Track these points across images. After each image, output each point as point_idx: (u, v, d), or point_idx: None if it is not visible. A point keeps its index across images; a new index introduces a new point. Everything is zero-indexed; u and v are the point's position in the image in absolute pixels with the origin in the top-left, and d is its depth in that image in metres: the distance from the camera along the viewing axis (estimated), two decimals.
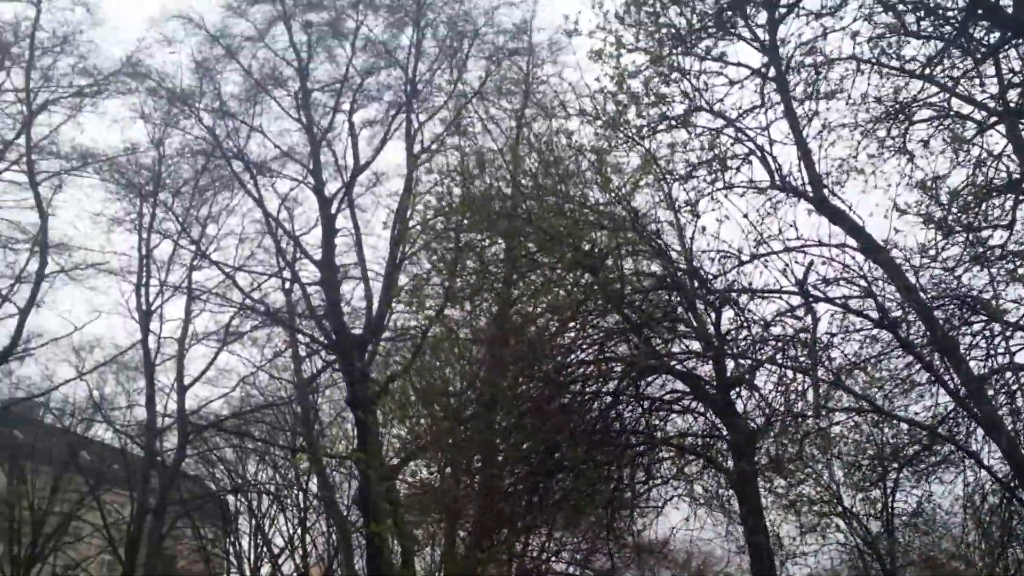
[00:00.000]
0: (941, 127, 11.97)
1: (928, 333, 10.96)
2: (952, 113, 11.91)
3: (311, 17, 23.38)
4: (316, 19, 23.45)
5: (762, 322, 11.61)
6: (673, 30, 11.74)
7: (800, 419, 12.08)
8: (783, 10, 11.07)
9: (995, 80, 11.30)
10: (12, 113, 23.40)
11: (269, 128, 24.04)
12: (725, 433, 12.20)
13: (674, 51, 11.95)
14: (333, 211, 23.40)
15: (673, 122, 12.06)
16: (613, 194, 12.14)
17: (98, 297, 23.21)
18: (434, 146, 22.64)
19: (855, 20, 11.16)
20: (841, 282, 11.27)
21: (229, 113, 23.86)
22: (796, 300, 11.41)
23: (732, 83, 11.50)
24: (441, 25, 23.22)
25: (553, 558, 18.99)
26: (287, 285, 24.61)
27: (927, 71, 11.15)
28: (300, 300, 24.06)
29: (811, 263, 11.16)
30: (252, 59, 23.79)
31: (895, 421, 13.06)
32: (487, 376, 17.11)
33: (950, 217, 11.67)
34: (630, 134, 12.51)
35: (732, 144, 11.84)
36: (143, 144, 25.02)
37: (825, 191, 11.48)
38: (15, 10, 22.40)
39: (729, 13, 11.14)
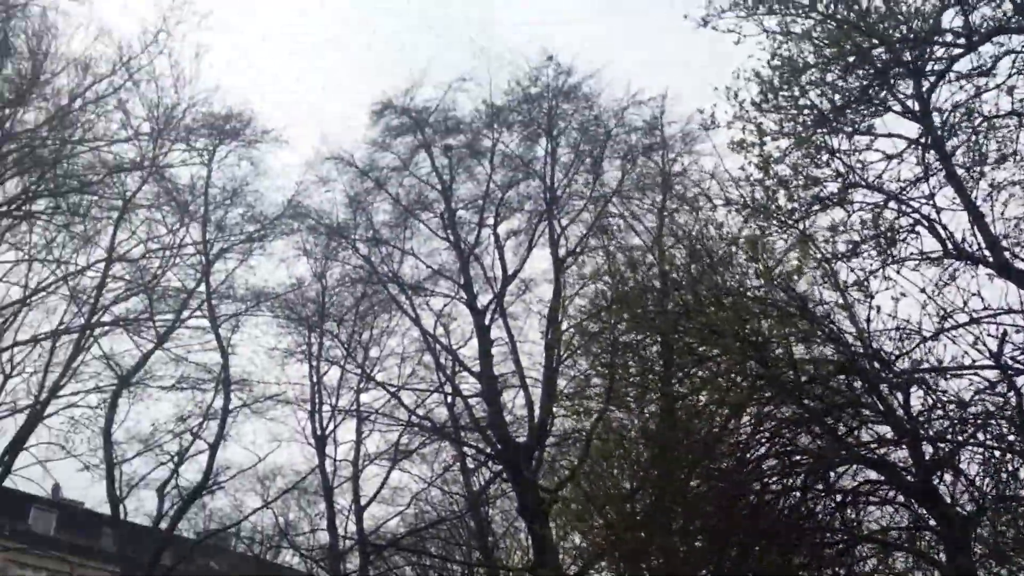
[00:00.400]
0: None
1: None
2: None
3: (450, 141, 24.64)
4: (455, 142, 24.70)
5: (958, 400, 10.79)
6: (815, 111, 11.56)
7: (1017, 502, 11.03)
8: (932, 77, 10.70)
9: None
10: (193, 264, 25.61)
11: (420, 250, 25.16)
12: (933, 523, 11.25)
13: (819, 131, 11.74)
14: (487, 322, 23.96)
15: (828, 201, 11.71)
16: (777, 281, 11.81)
17: (277, 427, 24.79)
18: (579, 248, 22.96)
19: (1010, 76, 10.65)
20: None
21: (382, 240, 25.21)
22: (992, 374, 10.58)
23: (889, 157, 11.11)
24: (573, 132, 23.89)
25: None
26: (449, 399, 25.16)
27: None
28: (463, 413, 24.51)
29: (1005, 333, 10.36)
30: (399, 187, 25.21)
31: None
32: (659, 478, 16.68)
33: None
34: (783, 218, 12.26)
35: (897, 217, 11.34)
36: (307, 278, 26.73)
37: (1006, 254, 10.76)
38: (191, 172, 24.84)
39: (876, 88, 10.86)
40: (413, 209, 24.92)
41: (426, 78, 24.68)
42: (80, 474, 25.35)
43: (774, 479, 12.57)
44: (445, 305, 25.15)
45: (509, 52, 30.30)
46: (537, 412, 22.62)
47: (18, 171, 20.87)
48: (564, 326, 22.86)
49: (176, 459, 25.89)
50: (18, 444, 23.16)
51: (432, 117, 24.55)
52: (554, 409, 22.33)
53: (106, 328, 24.59)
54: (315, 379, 27.29)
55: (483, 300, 24.27)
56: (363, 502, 26.76)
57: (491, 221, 24.28)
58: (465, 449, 24.95)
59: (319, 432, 27.02)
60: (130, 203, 23.37)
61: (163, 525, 25.47)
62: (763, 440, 12.64)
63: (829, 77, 11.26)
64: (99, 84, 21.49)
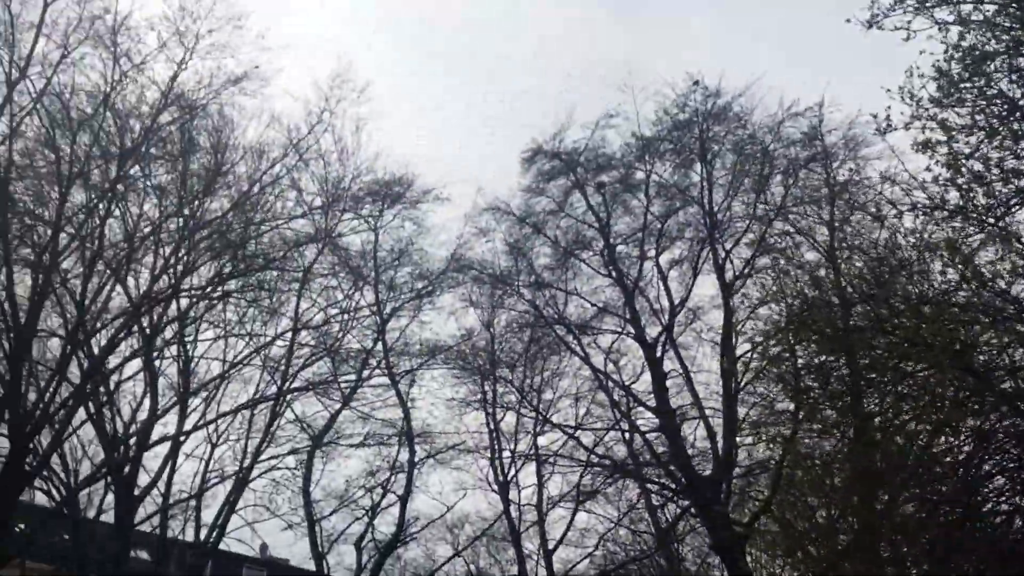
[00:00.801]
0: None
1: None
2: None
3: (603, 178, 24.76)
4: (607, 179, 24.78)
5: None
6: (1006, 100, 10.81)
7: None
8: None
9: None
10: (369, 325, 26.81)
11: (583, 289, 25.29)
12: None
13: (1011, 121, 10.97)
14: (658, 355, 23.67)
15: None
16: (988, 287, 11.02)
17: (461, 475, 25.52)
18: (747, 271, 22.37)
19: None
20: None
21: (545, 284, 25.52)
22: None
23: None
24: (728, 153, 23.45)
25: None
26: (627, 436, 24.93)
27: None
28: (643, 449, 24.19)
29: None
30: (556, 229, 25.51)
31: None
32: (860, 505, 15.76)
33: None
34: (981, 217, 11.47)
35: None
36: (476, 328, 27.37)
37: None
38: (360, 238, 26.21)
39: None
40: (572, 249, 25.13)
41: (572, 120, 24.63)
42: (284, 533, 26.81)
43: (1003, 499, 11.63)
44: (613, 341, 25.11)
45: (654, 83, 30.15)
46: (720, 443, 22.05)
47: (211, 256, 22.70)
48: (739, 352, 22.31)
49: (370, 513, 26.93)
50: (229, 508, 24.79)
51: (582, 157, 24.79)
52: (737, 439, 21.70)
53: (297, 393, 26.10)
54: (492, 426, 27.77)
55: (652, 333, 24.06)
56: (551, 545, 26.81)
57: (652, 253, 24.12)
58: (649, 486, 24.54)
59: (501, 478, 27.39)
60: (309, 274, 24.86)
61: None
62: (987, 458, 11.73)
63: (1020, 61, 10.49)
64: (273, 168, 23.16)
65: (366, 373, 26.69)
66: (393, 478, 27.04)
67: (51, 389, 20.40)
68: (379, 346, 26.62)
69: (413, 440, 26.57)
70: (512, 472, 27.52)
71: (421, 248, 27.33)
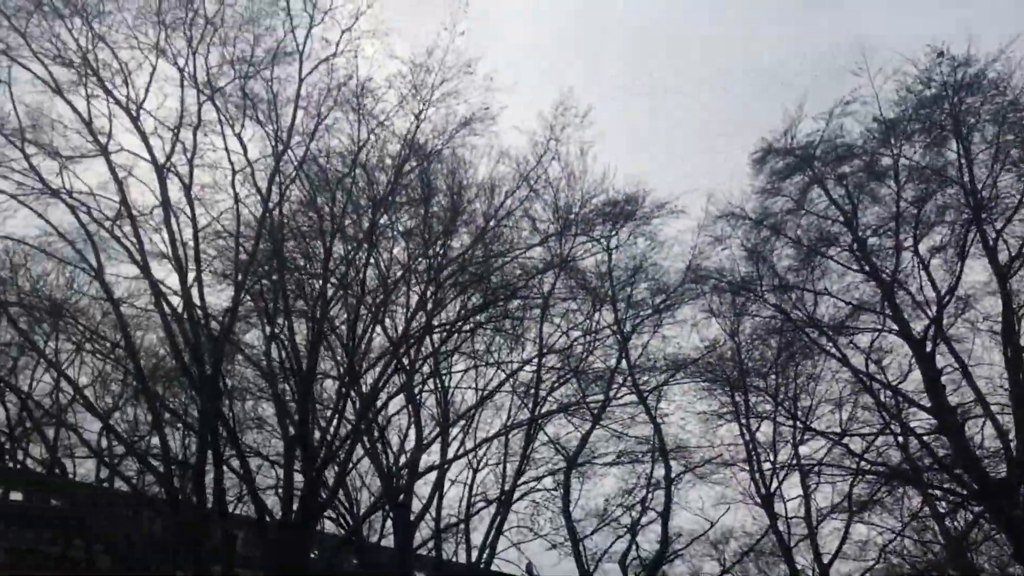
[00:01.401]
0: None
1: None
2: None
3: (844, 169, 23.40)
4: (849, 169, 23.39)
5: None
6: None
7: None
8: None
9: None
10: (611, 344, 26.92)
11: (833, 287, 24.00)
12: None
13: None
14: (927, 350, 21.95)
15: None
16: None
17: (721, 489, 24.90)
18: None
19: None
20: None
21: (790, 286, 24.49)
22: None
23: None
24: (987, 125, 21.38)
25: None
26: (900, 439, 23.19)
27: None
28: (920, 452, 22.40)
29: None
30: (797, 229, 24.41)
31: None
32: None
33: None
34: None
35: None
36: (720, 338, 26.69)
37: None
38: (596, 259, 26.45)
39: None
40: (817, 247, 23.94)
41: (803, 113, 23.45)
42: (548, 553, 27.42)
43: None
44: (874, 340, 23.59)
45: (891, 61, 28.16)
46: (1013, 442, 20.03)
47: (457, 291, 23.84)
48: None
49: (631, 531, 26.91)
50: (496, 530, 25.75)
51: (818, 149, 23.60)
52: None
53: (549, 416, 26.68)
54: (748, 437, 26.88)
55: (917, 327, 22.35)
56: (826, 559, 25.40)
57: (909, 242, 22.44)
58: (933, 492, 22.66)
59: (763, 491, 26.38)
60: (550, 299, 25.39)
61: None
62: None
63: None
64: (506, 201, 23.94)
65: (613, 392, 26.76)
66: (651, 495, 26.90)
67: (332, 427, 22.25)
68: (623, 364, 26.64)
69: (667, 455, 26.28)
70: (775, 484, 26.43)
71: (656, 263, 27.13)
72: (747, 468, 26.55)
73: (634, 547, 26.88)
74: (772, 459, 26.49)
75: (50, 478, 23.04)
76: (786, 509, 26.36)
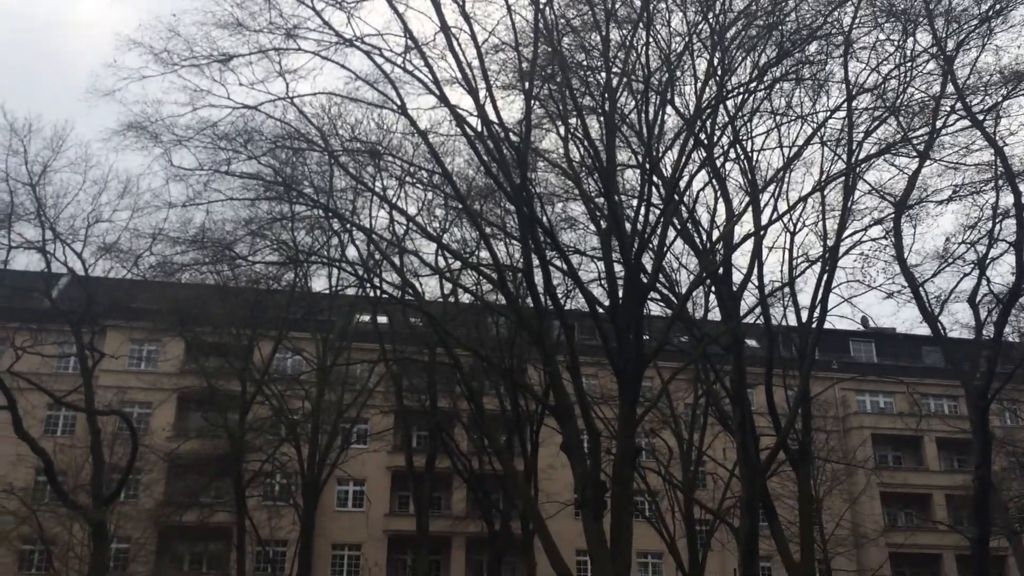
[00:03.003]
0: None
1: None
2: None
3: None
4: None
5: None
6: None
7: None
8: None
9: None
10: (931, 70, 23.78)
11: None
12: None
13: None
14: None
15: None
16: None
17: None
18: None
19: None
20: None
21: None
22: None
23: None
24: None
25: None
26: None
27: None
28: None
29: None
30: None
31: None
32: None
33: None
34: None
35: None
36: None
37: None
38: None
39: None
40: None
41: None
42: (884, 304, 26.30)
43: None
44: None
45: None
46: None
47: (748, 48, 22.24)
48: None
49: (979, 266, 24.82)
50: (825, 288, 25.02)
51: None
52: None
53: (866, 163, 24.74)
54: None
55: None
56: None
57: None
58: None
59: None
60: (851, 34, 22.75)
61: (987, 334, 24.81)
62: None
63: None
64: None
65: (939, 123, 23.94)
66: (999, 226, 24.35)
67: (640, 215, 22.56)
68: (949, 88, 23.51)
69: (1014, 179, 23.35)
70: None
71: None
72: None
73: (984, 283, 24.86)
74: None
75: (404, 301, 26.11)
76: None
